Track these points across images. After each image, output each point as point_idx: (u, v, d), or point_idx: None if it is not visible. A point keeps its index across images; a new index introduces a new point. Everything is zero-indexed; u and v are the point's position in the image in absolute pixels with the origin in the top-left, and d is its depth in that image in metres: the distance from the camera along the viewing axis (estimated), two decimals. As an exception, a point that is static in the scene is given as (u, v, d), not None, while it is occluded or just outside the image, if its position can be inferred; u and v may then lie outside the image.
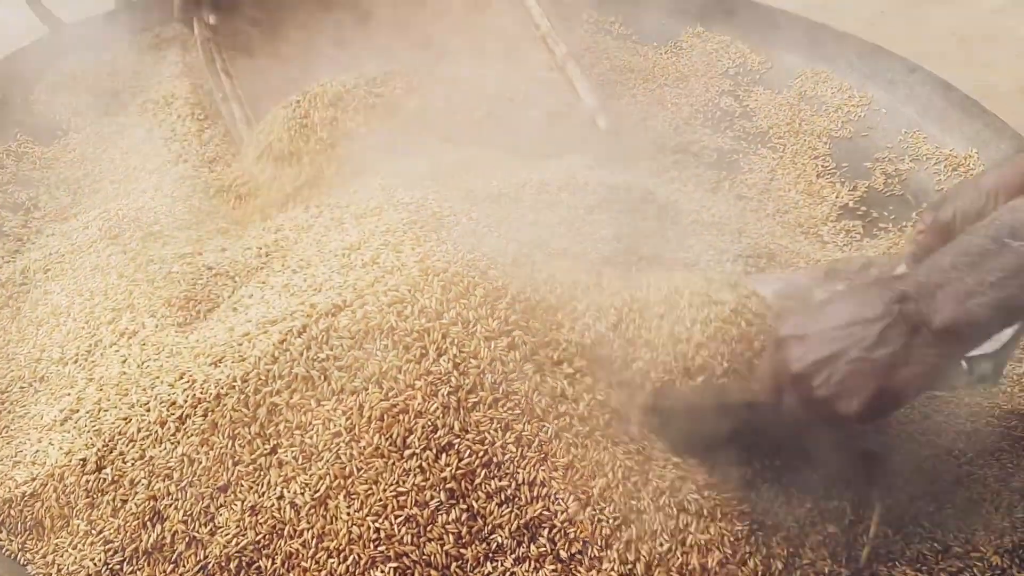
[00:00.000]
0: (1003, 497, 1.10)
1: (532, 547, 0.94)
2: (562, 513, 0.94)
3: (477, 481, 0.95)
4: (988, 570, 1.03)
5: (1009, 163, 1.01)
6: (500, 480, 0.95)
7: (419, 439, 0.96)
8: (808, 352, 0.90)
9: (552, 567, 0.93)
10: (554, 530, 0.94)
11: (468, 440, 0.96)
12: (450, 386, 0.98)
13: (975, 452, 1.15)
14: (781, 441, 1.03)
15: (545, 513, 0.95)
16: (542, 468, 0.96)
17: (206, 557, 0.96)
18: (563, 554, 0.94)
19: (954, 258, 0.85)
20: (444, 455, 0.96)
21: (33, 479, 1.04)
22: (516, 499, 0.95)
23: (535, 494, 0.95)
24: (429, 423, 0.96)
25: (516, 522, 0.94)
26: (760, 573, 0.96)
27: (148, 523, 0.98)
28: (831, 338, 0.88)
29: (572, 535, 0.94)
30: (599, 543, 0.93)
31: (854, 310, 0.88)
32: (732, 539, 0.96)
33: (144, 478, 1.00)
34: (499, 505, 0.95)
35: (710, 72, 1.90)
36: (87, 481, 1.02)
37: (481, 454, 0.96)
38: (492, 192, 1.31)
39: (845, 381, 0.87)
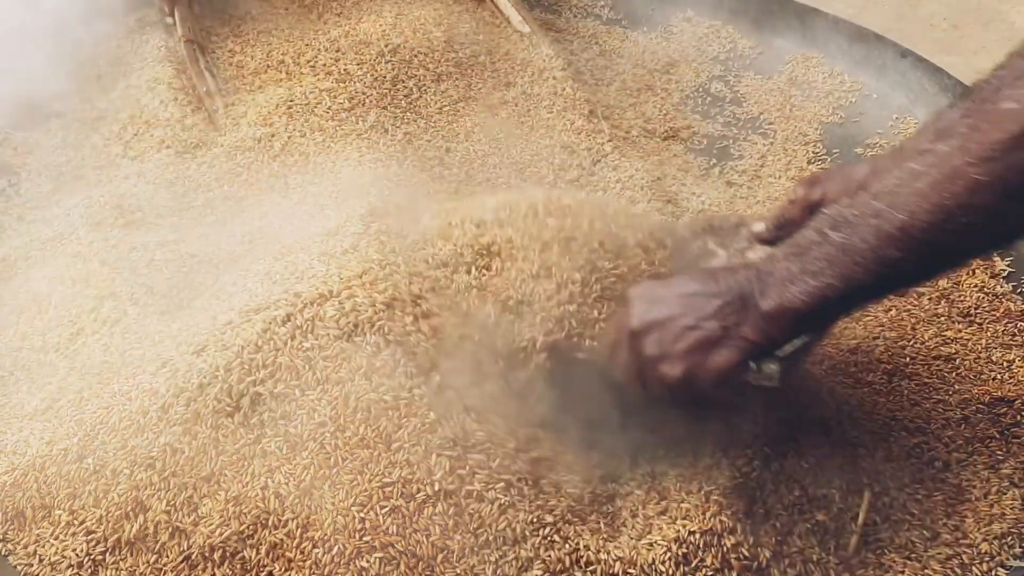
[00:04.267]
0: (992, 484, 1.10)
1: (519, 549, 0.93)
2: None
3: (466, 477, 0.94)
4: (977, 557, 1.03)
5: (884, 158, 1.03)
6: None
7: (408, 434, 0.95)
8: (648, 311, 0.92)
9: (540, 569, 0.93)
10: (547, 528, 0.94)
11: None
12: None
13: (964, 439, 1.15)
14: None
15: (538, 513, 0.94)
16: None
17: (190, 547, 0.95)
18: (552, 555, 0.93)
19: (787, 248, 0.88)
20: (433, 454, 0.94)
21: (14, 468, 1.03)
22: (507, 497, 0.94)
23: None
24: (420, 423, 0.95)
25: (504, 520, 0.93)
26: (748, 563, 0.96)
27: (131, 513, 0.97)
28: (672, 303, 0.91)
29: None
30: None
31: (700, 284, 0.91)
32: (721, 530, 0.96)
33: (126, 468, 0.99)
34: (488, 504, 0.94)
35: (700, 57, 1.88)
36: (69, 471, 1.00)
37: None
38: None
39: (674, 344, 0.89)
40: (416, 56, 1.66)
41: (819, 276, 0.83)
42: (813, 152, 1.66)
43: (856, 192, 0.86)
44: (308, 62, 1.68)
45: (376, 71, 1.62)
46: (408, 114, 1.56)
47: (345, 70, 1.62)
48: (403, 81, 1.61)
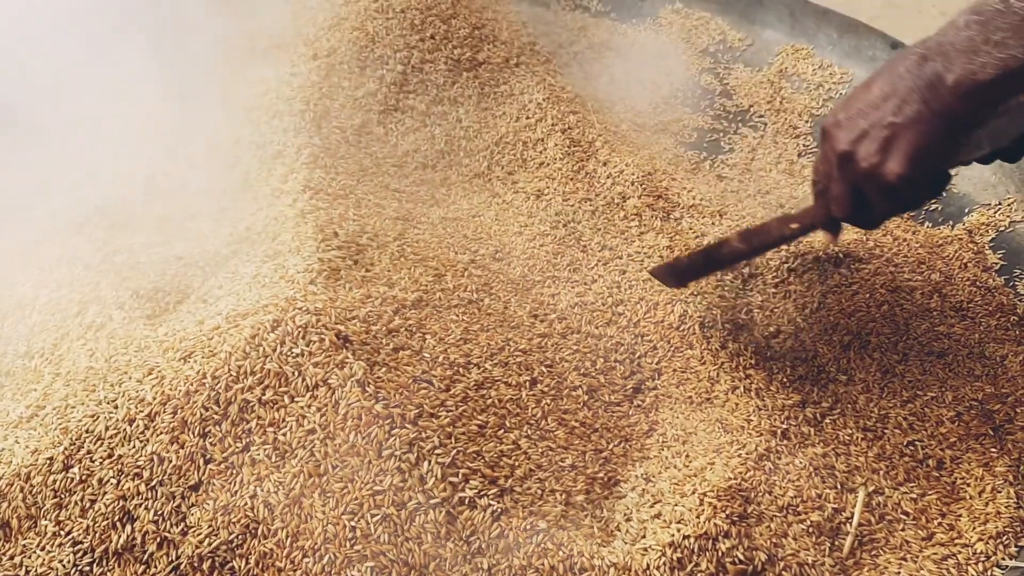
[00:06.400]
0: (986, 482, 1.10)
1: (512, 557, 0.92)
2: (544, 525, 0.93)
3: (458, 484, 0.93)
4: (973, 557, 1.03)
5: None
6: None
7: (400, 443, 0.94)
8: (846, 132, 0.94)
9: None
10: (540, 534, 0.93)
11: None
12: (451, 413, 0.96)
13: (958, 437, 1.14)
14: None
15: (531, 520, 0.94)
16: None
17: (178, 557, 0.94)
18: (546, 563, 0.92)
19: (967, 17, 0.87)
20: (425, 462, 0.94)
21: (-1, 478, 1.01)
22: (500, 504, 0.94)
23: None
24: (413, 433, 0.94)
25: (497, 528, 0.93)
26: (743, 567, 0.95)
27: (118, 523, 0.96)
28: (864, 113, 0.92)
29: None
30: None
31: (881, 83, 0.92)
32: (715, 533, 0.95)
33: (113, 477, 0.97)
34: (481, 511, 0.93)
35: (690, 50, 1.87)
36: (54, 481, 0.99)
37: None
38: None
39: (883, 146, 0.91)
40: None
41: (1004, 46, 0.83)
42: (803, 145, 1.65)
43: None
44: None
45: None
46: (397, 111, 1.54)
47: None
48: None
